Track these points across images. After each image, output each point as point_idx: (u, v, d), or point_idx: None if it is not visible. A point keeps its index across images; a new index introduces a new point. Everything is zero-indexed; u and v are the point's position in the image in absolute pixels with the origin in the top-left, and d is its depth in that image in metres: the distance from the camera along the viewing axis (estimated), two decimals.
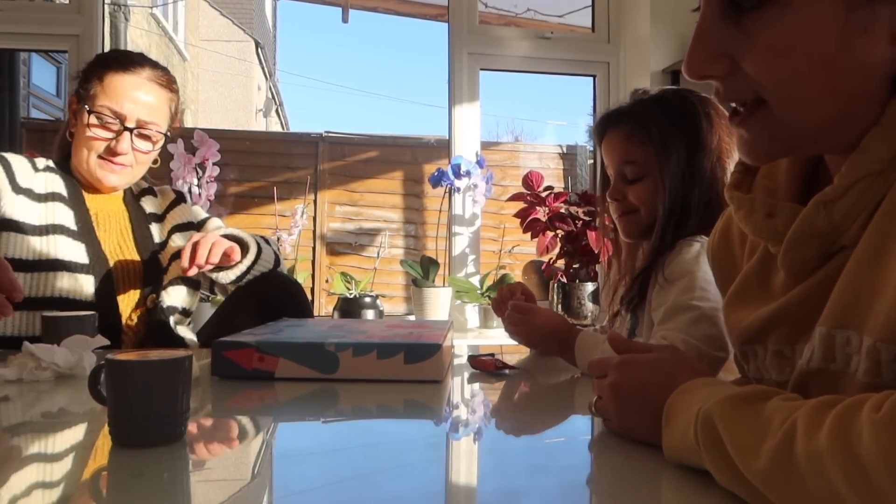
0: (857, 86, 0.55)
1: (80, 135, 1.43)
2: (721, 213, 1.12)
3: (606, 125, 1.22)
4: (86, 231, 1.42)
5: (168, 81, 1.51)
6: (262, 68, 16.17)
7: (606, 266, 1.44)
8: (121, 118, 1.42)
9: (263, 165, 4.24)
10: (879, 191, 0.54)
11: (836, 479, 0.42)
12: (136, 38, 9.44)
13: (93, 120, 1.42)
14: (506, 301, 1.30)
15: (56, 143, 1.54)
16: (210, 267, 1.31)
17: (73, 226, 1.40)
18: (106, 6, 2.34)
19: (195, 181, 2.21)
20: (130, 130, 1.43)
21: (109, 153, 1.43)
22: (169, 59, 11.41)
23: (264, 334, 1.07)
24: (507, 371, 1.12)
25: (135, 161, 1.46)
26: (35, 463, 0.65)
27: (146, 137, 1.46)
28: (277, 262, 1.50)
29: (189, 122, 12.03)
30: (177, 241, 1.54)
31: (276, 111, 17.76)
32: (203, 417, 0.83)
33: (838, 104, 0.55)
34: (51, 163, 1.48)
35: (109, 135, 1.43)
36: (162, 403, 0.66)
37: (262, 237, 1.52)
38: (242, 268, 1.39)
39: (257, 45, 15.39)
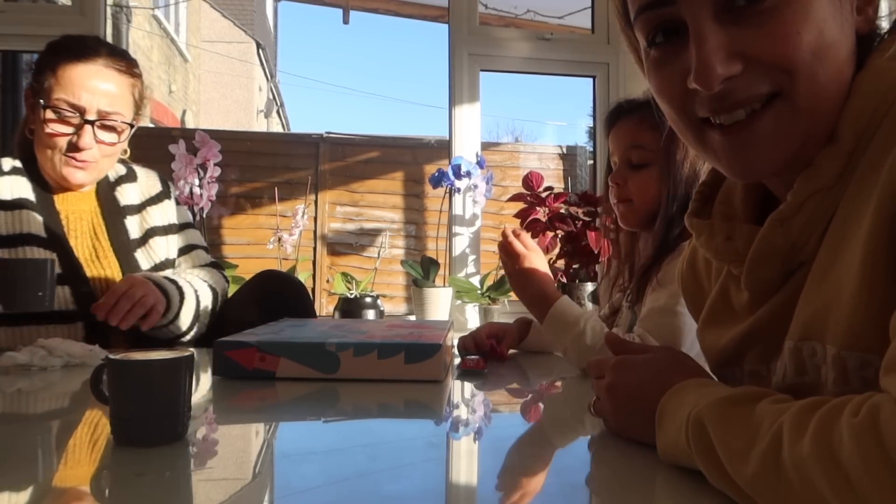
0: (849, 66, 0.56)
1: (40, 132, 1.34)
2: None
3: (618, 114, 1.25)
4: (57, 239, 1.35)
5: (128, 66, 1.40)
6: (263, 69, 16.19)
7: (606, 266, 1.44)
8: (80, 111, 1.33)
9: (264, 166, 4.25)
10: (831, 206, 0.56)
11: (821, 485, 0.42)
12: (138, 40, 9.46)
13: (50, 115, 1.32)
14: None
15: (16, 141, 1.45)
16: (125, 324, 1.25)
17: (42, 234, 1.33)
18: (108, 8, 2.34)
19: (196, 182, 2.21)
20: (91, 123, 1.34)
21: (72, 149, 1.34)
22: (171, 60, 11.43)
23: (265, 334, 1.07)
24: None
25: (101, 154, 1.37)
26: (37, 461, 0.65)
27: (110, 129, 1.37)
28: (203, 312, 1.42)
29: (190, 123, 12.04)
30: (159, 245, 1.47)
31: (277, 112, 17.77)
32: (204, 417, 0.83)
33: (840, 85, 0.56)
34: (18, 163, 1.40)
35: (69, 130, 1.33)
36: (163, 403, 0.66)
37: (206, 277, 1.47)
38: (163, 321, 1.34)
39: (258, 46, 15.40)
